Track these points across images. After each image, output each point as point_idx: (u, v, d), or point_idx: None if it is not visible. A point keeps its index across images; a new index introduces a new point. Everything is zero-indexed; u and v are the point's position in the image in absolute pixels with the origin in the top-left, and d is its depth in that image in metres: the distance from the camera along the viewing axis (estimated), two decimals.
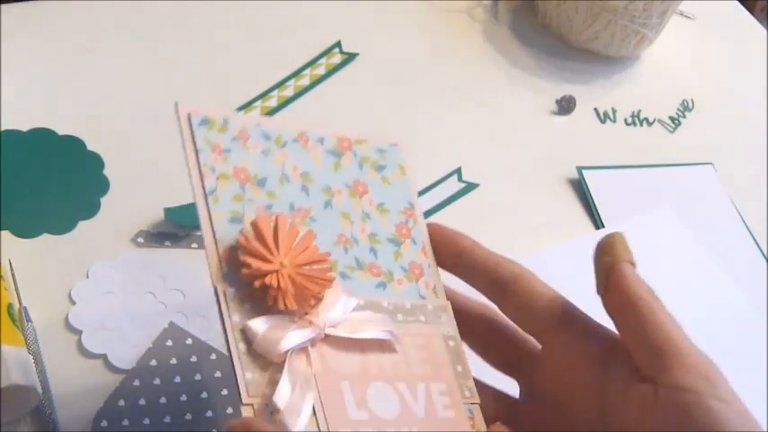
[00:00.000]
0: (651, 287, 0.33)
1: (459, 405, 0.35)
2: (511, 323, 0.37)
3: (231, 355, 0.32)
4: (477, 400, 0.36)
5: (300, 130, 0.38)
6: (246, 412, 0.31)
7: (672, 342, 0.31)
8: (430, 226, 0.40)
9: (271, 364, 0.32)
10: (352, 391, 0.33)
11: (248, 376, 0.31)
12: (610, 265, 0.33)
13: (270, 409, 0.31)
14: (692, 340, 0.31)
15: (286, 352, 0.32)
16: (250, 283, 0.32)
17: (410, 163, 0.41)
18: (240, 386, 0.31)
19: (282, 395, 0.31)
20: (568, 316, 0.35)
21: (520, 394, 0.38)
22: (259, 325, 0.32)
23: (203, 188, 0.34)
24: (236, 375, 0.31)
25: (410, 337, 0.36)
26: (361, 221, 0.38)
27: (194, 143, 0.35)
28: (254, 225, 0.33)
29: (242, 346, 0.32)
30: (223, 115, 0.36)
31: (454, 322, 0.38)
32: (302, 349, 0.33)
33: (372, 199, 0.39)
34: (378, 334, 0.34)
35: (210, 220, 0.34)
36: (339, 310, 0.34)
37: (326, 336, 0.33)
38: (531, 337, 0.36)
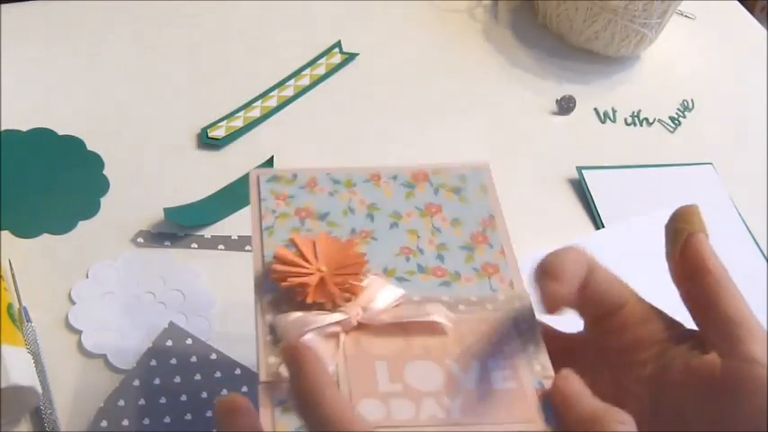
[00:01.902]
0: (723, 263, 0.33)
1: (525, 378, 0.33)
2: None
3: (257, 344, 0.33)
4: (550, 374, 0.33)
5: (373, 171, 0.40)
6: (262, 391, 0.31)
7: (744, 314, 0.31)
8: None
9: None
10: (388, 368, 0.33)
11: (271, 360, 0.33)
12: (687, 233, 0.34)
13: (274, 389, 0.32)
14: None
15: (306, 333, 0.33)
16: (285, 289, 0.34)
17: (493, 184, 0.41)
18: (261, 367, 0.32)
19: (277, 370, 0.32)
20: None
21: (584, 328, 0.36)
22: (287, 316, 0.34)
23: (260, 224, 0.38)
24: (258, 359, 0.33)
25: (469, 324, 0.35)
26: (429, 235, 0.38)
27: (258, 193, 0.39)
28: (291, 240, 0.36)
29: (269, 338, 0.33)
30: (292, 171, 0.40)
31: (531, 310, 0.35)
32: (331, 335, 0.33)
33: (446, 216, 0.39)
34: (420, 317, 0.34)
35: (262, 246, 0.37)
36: (379, 301, 0.34)
37: (361, 325, 0.34)
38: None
